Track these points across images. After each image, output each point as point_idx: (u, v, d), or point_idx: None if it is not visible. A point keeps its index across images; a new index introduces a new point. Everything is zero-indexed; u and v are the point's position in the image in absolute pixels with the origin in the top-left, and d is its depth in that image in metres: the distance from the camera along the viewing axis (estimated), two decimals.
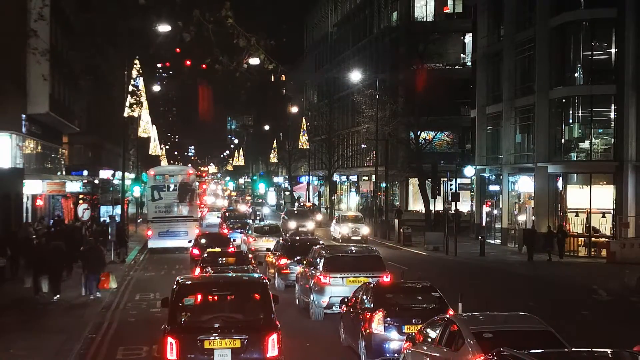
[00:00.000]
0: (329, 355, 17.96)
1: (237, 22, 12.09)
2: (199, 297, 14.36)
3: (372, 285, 17.84)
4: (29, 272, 25.86)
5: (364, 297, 17.20)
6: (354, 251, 24.30)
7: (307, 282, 22.74)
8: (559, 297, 27.51)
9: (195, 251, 33.05)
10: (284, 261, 27.68)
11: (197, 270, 23.64)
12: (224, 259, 24.93)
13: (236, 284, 15.60)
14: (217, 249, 29.00)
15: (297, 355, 16.60)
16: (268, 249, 32.16)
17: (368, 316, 16.16)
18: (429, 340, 13.58)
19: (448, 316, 14.00)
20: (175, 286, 14.50)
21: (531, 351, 8.59)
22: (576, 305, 25.16)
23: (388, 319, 15.86)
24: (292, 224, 51.18)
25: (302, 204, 78.76)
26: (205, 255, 25.71)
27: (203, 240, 34.15)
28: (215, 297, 14.55)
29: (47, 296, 24.28)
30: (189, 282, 15.24)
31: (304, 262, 24.47)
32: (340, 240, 46.90)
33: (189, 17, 11.99)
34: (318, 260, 22.42)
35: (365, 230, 49.29)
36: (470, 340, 12.15)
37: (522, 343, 10.32)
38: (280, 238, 34.33)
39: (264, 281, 15.03)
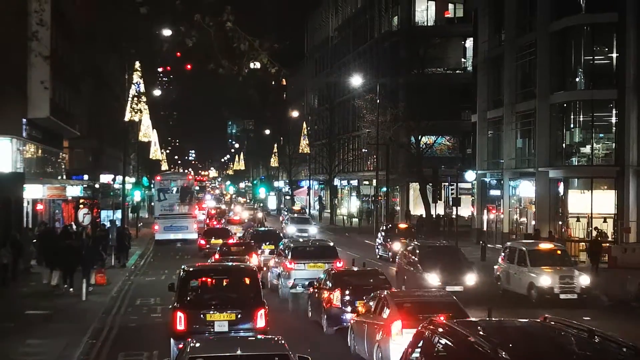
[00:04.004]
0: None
1: (239, 26, 12.00)
2: (202, 280, 17.71)
3: (332, 271, 22.36)
4: (47, 269, 27.92)
5: (326, 280, 21.26)
6: (313, 244, 30.04)
7: (277, 269, 28.06)
8: None
9: (202, 242, 42.06)
10: None
11: (217, 256, 30.25)
12: (234, 248, 32.03)
13: (231, 271, 19.06)
14: (220, 240, 37.86)
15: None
16: (239, 237, 41.41)
17: (328, 294, 20.23)
18: (368, 311, 17.04)
19: (385, 293, 17.15)
20: (182, 273, 17.50)
21: (458, 320, 10.47)
22: (578, 310, 25.03)
23: (345, 296, 19.73)
24: (433, 280, 25.85)
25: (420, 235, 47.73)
26: (221, 245, 32.76)
27: (209, 233, 43.04)
28: (215, 281, 17.85)
29: (64, 289, 26.45)
30: (192, 269, 18.20)
31: (275, 253, 30.30)
32: (536, 299, 26.07)
33: (191, 22, 11.90)
34: (286, 251, 27.72)
35: (583, 279, 26.61)
36: (393, 307, 15.71)
37: (432, 310, 12.89)
38: (249, 228, 46.29)
39: (254, 269, 18.47)
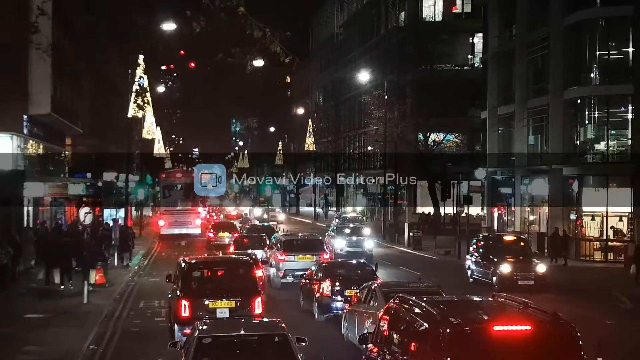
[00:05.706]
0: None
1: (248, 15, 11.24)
2: (203, 271, 19.47)
3: (323, 263, 24.34)
4: (41, 266, 28.10)
5: (317, 271, 22.91)
6: (302, 237, 32.71)
7: (269, 261, 30.06)
8: (580, 304, 26.38)
9: (211, 234, 44.50)
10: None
11: (232, 248, 33.13)
12: (246, 241, 34.62)
13: (230, 262, 20.95)
14: (227, 233, 42.53)
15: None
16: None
17: (319, 284, 21.92)
18: (359, 301, 18.56)
19: (376, 284, 18.64)
20: (183, 265, 19.13)
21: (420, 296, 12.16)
22: (600, 313, 24.11)
23: (334, 286, 21.39)
24: None
25: None
26: (234, 240, 35.85)
27: (217, 227, 45.71)
28: (215, 272, 19.55)
29: (56, 286, 26.43)
30: (194, 261, 19.91)
31: (268, 247, 32.64)
32: None
33: (198, 6, 11.12)
34: (278, 244, 30.37)
35: None
36: (381, 297, 17.11)
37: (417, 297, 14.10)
38: (246, 222, 51.33)
39: (250, 261, 20.17)
